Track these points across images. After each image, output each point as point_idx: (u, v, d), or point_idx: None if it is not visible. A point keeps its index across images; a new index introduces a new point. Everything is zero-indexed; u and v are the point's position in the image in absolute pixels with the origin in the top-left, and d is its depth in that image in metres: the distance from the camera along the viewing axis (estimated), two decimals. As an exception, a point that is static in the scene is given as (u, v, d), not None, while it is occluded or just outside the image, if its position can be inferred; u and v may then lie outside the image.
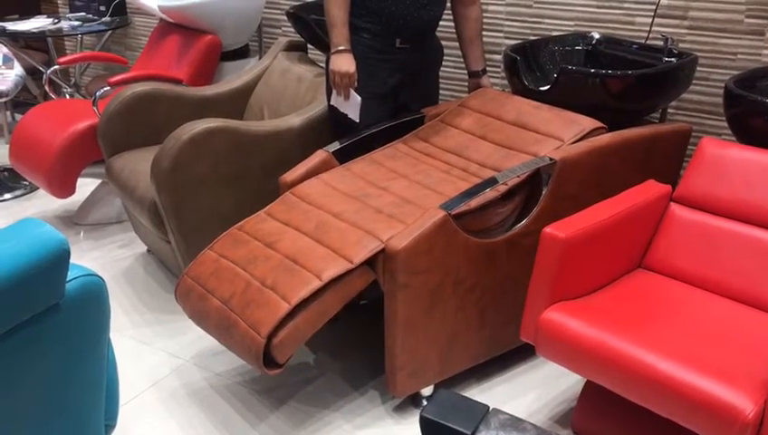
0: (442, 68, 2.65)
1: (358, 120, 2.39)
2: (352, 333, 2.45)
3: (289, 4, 3.40)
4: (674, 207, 2.05)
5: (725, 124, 2.30)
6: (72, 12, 4.20)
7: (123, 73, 3.09)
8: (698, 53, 2.48)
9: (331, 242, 1.95)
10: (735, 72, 2.41)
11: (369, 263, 1.91)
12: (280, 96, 2.85)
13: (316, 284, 1.84)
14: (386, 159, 2.33)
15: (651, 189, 2.04)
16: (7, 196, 3.53)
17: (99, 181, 3.26)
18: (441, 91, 2.71)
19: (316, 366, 2.30)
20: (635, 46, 2.61)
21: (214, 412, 2.10)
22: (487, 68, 2.60)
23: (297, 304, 1.81)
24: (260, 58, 3.57)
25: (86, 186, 3.29)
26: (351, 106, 2.38)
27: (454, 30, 2.58)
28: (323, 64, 2.55)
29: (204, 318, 1.99)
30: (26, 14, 4.16)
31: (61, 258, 1.16)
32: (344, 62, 2.32)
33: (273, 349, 1.81)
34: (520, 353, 2.26)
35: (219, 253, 2.07)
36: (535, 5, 2.89)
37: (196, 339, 2.43)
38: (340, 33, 2.32)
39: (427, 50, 2.51)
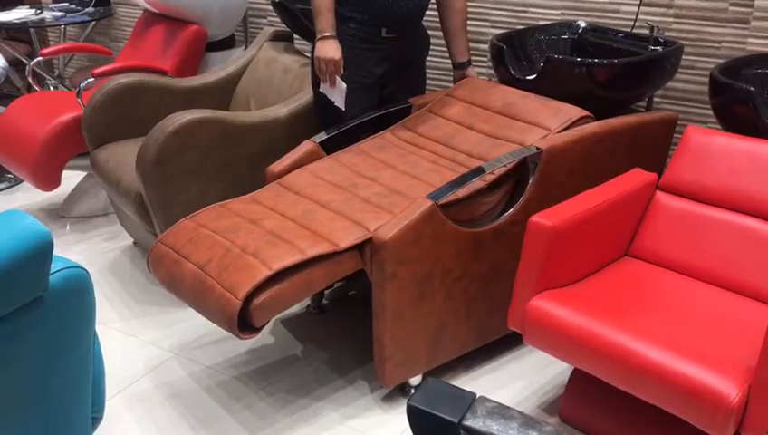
0: (429, 58, 2.65)
1: (344, 108, 2.38)
2: (340, 324, 2.45)
3: (274, -7, 3.37)
4: (660, 195, 2.06)
5: (711, 112, 2.30)
6: (54, 2, 4.16)
7: (108, 65, 3.07)
8: (684, 42, 2.49)
9: (317, 228, 1.94)
10: (721, 61, 2.42)
11: (358, 252, 1.90)
12: (266, 86, 2.84)
13: (300, 256, 1.82)
14: (373, 149, 2.32)
15: (637, 178, 2.04)
16: (-9, 189, 3.50)
17: (84, 174, 3.23)
18: (428, 81, 2.71)
19: (304, 357, 2.30)
20: (621, 35, 2.61)
21: (201, 403, 2.10)
22: (474, 57, 2.60)
23: (278, 272, 1.78)
24: (246, 48, 3.55)
25: (71, 178, 3.27)
26: (337, 93, 2.37)
27: (440, 19, 2.57)
28: (309, 54, 2.54)
29: (177, 283, 1.92)
30: (8, 5, 4.11)
31: (44, 251, 1.15)
32: (329, 49, 2.30)
33: (252, 310, 1.76)
34: (507, 342, 2.27)
35: (198, 223, 2.02)
36: (522, -6, 2.89)
37: (184, 331, 2.42)
38: (325, 20, 2.30)
39: (413, 40, 2.50)
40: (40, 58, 3.43)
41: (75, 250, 2.94)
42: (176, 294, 1.96)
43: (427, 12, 2.48)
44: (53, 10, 3.99)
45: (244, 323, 1.79)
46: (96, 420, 1.56)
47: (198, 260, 1.89)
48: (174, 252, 1.96)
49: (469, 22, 2.59)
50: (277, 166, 2.26)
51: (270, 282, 1.78)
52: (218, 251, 1.88)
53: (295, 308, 2.51)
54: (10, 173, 3.58)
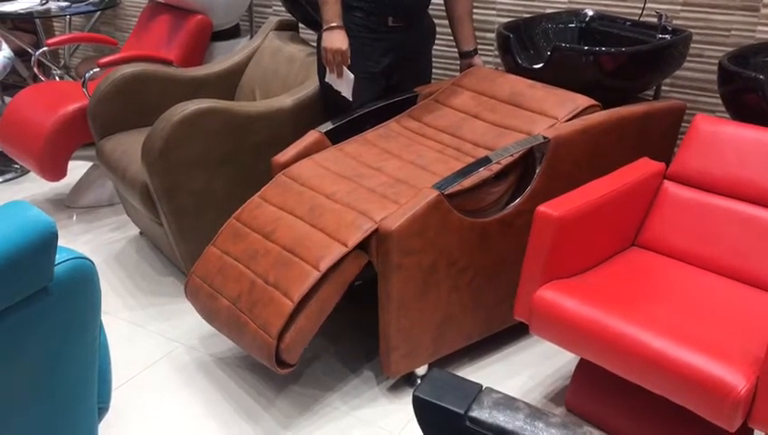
0: (435, 46, 2.63)
1: (351, 99, 2.37)
2: (347, 315, 2.45)
3: (280, -18, 3.36)
4: (667, 184, 2.05)
5: (719, 101, 2.28)
6: (60, -8, 4.14)
7: (113, 55, 3.06)
8: (692, 30, 2.46)
9: (325, 225, 1.94)
10: (729, 49, 2.40)
11: (363, 245, 1.90)
12: (271, 76, 2.83)
13: (315, 276, 1.85)
14: (379, 139, 2.31)
15: (645, 167, 2.03)
16: (-2, 179, 3.51)
17: (90, 164, 3.23)
18: (434, 70, 2.69)
19: (311, 348, 2.30)
20: (628, 23, 2.59)
21: (208, 394, 2.10)
22: (480, 46, 2.58)
23: (300, 300, 1.84)
24: (251, 38, 3.53)
25: (78, 169, 3.27)
26: (344, 84, 2.35)
27: (446, 8, 2.55)
28: (315, 44, 2.53)
29: (214, 317, 2.03)
30: (14, -5, 4.10)
31: (48, 241, 1.15)
32: (336, 39, 2.29)
33: (281, 352, 1.84)
34: (513, 333, 2.27)
35: (222, 249, 2.09)
36: (528, -18, 2.86)
37: (191, 321, 2.42)
38: (331, 10, 2.29)
39: (419, 28, 2.49)
40: (45, 48, 3.42)
41: (81, 240, 2.95)
42: (215, 327, 2.06)
43: (433, 0, 2.46)
44: (59, 0, 3.98)
45: (279, 358, 1.87)
46: (102, 410, 1.56)
47: (230, 295, 1.98)
48: (207, 285, 2.05)
49: (475, 10, 2.57)
50: (283, 156, 2.25)
51: (293, 315, 1.84)
52: (245, 284, 1.96)
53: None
54: (16, 163, 3.59)
